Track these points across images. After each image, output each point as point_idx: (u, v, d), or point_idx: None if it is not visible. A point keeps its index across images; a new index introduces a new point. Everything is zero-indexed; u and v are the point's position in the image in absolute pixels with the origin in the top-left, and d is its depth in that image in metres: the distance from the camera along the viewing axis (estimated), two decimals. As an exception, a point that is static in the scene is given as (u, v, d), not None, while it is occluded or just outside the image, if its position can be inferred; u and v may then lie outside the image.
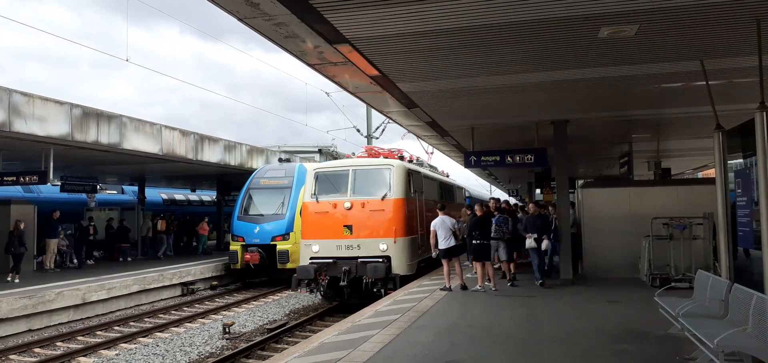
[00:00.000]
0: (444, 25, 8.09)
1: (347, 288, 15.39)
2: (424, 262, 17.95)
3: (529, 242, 14.29)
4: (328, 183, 16.78)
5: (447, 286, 13.49)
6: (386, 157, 18.65)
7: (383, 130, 34.62)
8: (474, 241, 13.71)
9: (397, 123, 16.94)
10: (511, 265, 14.39)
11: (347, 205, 16.02)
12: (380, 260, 15.26)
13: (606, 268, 15.50)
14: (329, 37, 8.70)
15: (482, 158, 16.03)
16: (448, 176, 27.08)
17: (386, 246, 15.59)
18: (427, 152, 27.79)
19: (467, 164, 16.54)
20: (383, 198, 16.08)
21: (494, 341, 8.55)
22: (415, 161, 21.42)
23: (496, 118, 15.12)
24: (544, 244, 14.25)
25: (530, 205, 15.60)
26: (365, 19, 7.94)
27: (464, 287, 13.49)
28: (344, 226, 15.94)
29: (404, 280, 15.60)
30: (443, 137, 18.55)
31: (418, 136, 19.19)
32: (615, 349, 7.88)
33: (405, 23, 8.07)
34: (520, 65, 10.20)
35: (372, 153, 19.77)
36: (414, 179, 17.67)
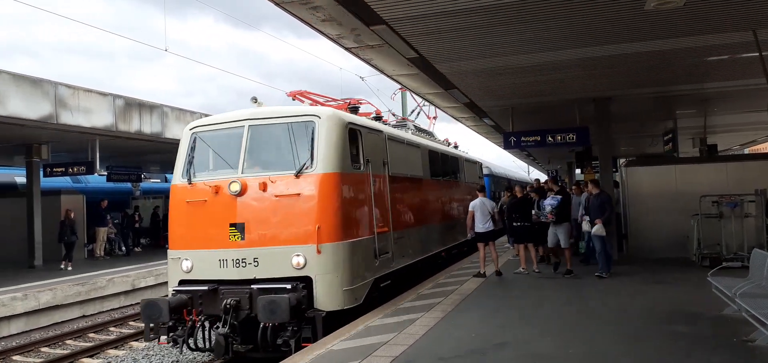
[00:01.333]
0: (482, 1, 7.93)
1: (234, 337, 8.80)
2: (392, 279, 11.08)
3: (588, 226, 12.70)
4: (210, 151, 10.11)
5: (482, 271, 13.05)
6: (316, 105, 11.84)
7: (418, 113, 34.31)
8: (515, 224, 13.47)
9: (434, 105, 16.85)
10: (567, 252, 13.00)
11: (235, 187, 9.07)
12: (289, 287, 8.65)
13: (652, 248, 15.13)
14: (366, 18, 8.64)
15: (522, 139, 15.79)
16: (453, 146, 20.53)
17: (303, 258, 8.81)
18: (429, 116, 22.74)
19: (506, 145, 16.33)
20: (299, 174, 9.10)
21: (541, 322, 8.42)
22: (393, 121, 16.04)
23: (536, 98, 14.85)
24: (598, 228, 12.30)
25: (589, 184, 13.47)
26: (403, -1, 7.85)
27: (499, 273, 13.08)
28: (231, 224, 9.10)
29: (339, 319, 9.05)
30: (481, 118, 18.34)
31: (455, 118, 18.99)
32: (667, 331, 7.66)
33: (441, 2, 7.94)
34: (560, 42, 9.96)
35: (298, 98, 12.29)
36: (366, 143, 10.40)
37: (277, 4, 8.07)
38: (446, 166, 17.50)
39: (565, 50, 10.45)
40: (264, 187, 9.14)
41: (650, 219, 15.31)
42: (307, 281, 8.82)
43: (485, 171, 26.72)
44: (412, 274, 12.75)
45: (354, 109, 12.15)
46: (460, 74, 12.11)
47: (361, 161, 10.17)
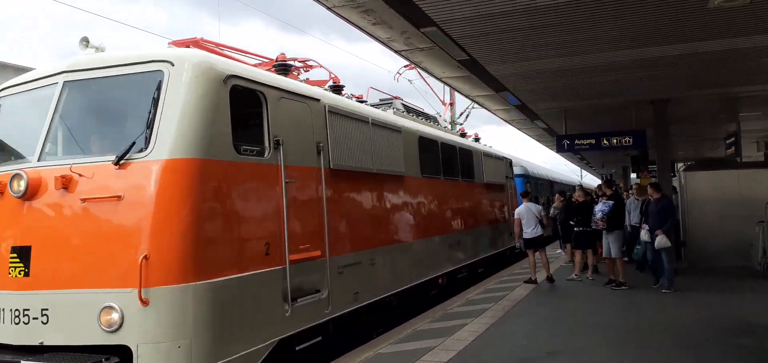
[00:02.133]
0: (536, 1, 7.77)
1: None
2: (332, 330, 7.62)
3: (647, 235, 11.65)
4: (16, 125, 6.67)
5: (533, 278, 12.61)
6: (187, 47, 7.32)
7: (467, 115, 33.99)
8: (577, 229, 13.02)
9: (484, 108, 16.63)
10: (619, 262, 12.02)
11: (19, 185, 5.59)
12: None
13: (712, 256, 14.51)
14: (416, 20, 8.60)
15: (576, 142, 15.44)
16: (473, 139, 16.86)
17: (118, 313, 5.19)
18: (443, 102, 19.27)
19: (559, 149, 16.00)
20: (121, 161, 5.51)
21: (595, 332, 8.17)
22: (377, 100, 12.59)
23: (591, 100, 14.48)
24: (660, 240, 11.00)
25: (649, 188, 12.37)
26: (453, 0, 7.76)
27: (551, 279, 12.67)
28: (12, 249, 5.55)
29: None
30: (533, 121, 18.02)
31: (505, 121, 18.72)
32: (729, 344, 7.31)
33: (494, 2, 7.82)
34: (617, 42, 9.67)
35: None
36: (276, 114, 6.74)
37: (328, 9, 8.12)
38: (450, 160, 13.22)
39: (622, 51, 10.14)
40: (66, 184, 5.44)
41: (711, 226, 14.69)
42: (124, 354, 5.13)
43: (518, 170, 22.73)
44: (390, 312, 9.40)
45: (336, 90, 9.28)
46: (512, 76, 11.91)
47: (265, 144, 6.39)
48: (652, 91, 13.73)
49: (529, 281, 12.55)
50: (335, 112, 8.02)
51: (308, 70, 9.84)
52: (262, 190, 6.37)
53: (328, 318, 7.28)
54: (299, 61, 9.68)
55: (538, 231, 12.65)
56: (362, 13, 8.30)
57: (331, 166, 7.66)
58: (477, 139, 17.09)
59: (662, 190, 12.29)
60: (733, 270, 13.48)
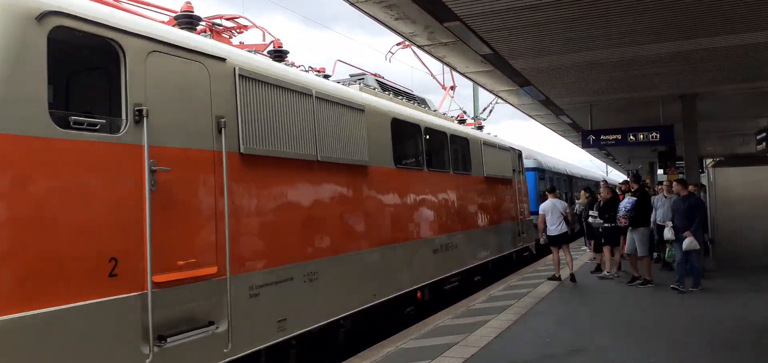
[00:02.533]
0: (564, -5, 7.68)
1: None
2: None
3: (671, 233, 10.97)
4: None
5: (556, 275, 12.44)
6: None
7: (491, 110, 33.71)
8: (607, 225, 12.63)
9: (507, 103, 16.49)
10: (646, 261, 11.67)
11: None
12: None
13: (742, 254, 14.17)
14: (440, 15, 8.56)
15: (601, 137, 15.25)
16: (475, 127, 15.15)
17: None
18: (444, 86, 16.57)
19: (585, 144, 15.82)
20: None
21: (620, 330, 8.05)
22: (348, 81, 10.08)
23: (617, 94, 14.28)
24: (690, 242, 10.47)
25: (675, 184, 11.63)
26: (478, -6, 7.71)
27: (573, 278, 12.36)
28: None
29: None
30: (558, 116, 17.84)
31: (530, 116, 18.55)
32: (761, 343, 7.15)
33: (520, -4, 7.75)
34: (646, 36, 9.52)
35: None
36: (140, 75, 4.79)
37: (352, 4, 8.11)
38: (438, 149, 11.35)
39: (651, 45, 9.98)
40: None
41: (741, 224, 14.33)
42: None
43: (529, 163, 20.59)
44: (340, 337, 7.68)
45: (278, 55, 7.48)
46: (537, 71, 11.79)
47: (121, 115, 4.66)
48: (680, 86, 13.48)
49: (553, 278, 12.42)
50: (251, 78, 6.02)
51: (241, 32, 7.97)
52: (107, 181, 4.47)
53: (228, 360, 5.34)
54: (226, 19, 7.85)
55: (563, 228, 12.47)
56: (385, 9, 8.29)
57: (242, 151, 5.72)
58: (480, 128, 15.23)
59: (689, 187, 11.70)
60: (764, 269, 13.16)
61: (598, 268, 13.43)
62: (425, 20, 8.74)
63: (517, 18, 8.54)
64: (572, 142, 25.48)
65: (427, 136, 10.70)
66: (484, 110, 31.97)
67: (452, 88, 16.42)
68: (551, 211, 12.49)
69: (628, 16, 8.56)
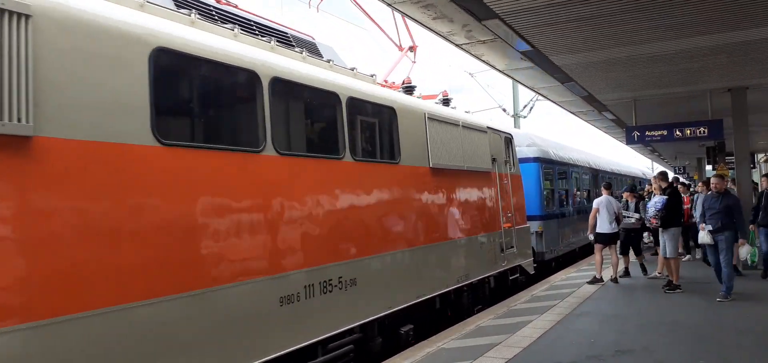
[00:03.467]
0: (605, -11, 7.52)
1: None
2: None
3: (708, 237, 10.03)
4: None
5: (598, 276, 11.97)
6: None
7: (532, 107, 33.35)
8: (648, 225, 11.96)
9: (548, 100, 16.24)
10: (674, 263, 10.86)
11: None
12: None
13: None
14: (478, 13, 8.48)
15: (646, 133, 14.86)
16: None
17: None
18: (399, 46, 12.57)
19: (629, 141, 15.45)
20: None
21: (666, 331, 7.84)
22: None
23: (663, 89, 13.89)
24: (746, 250, 9.91)
25: (712, 179, 10.67)
26: (517, -9, 7.62)
27: (616, 280, 11.97)
28: None
29: None
30: (601, 113, 17.47)
31: (572, 113, 18.22)
32: (818, 346, 6.85)
33: (560, -9, 7.62)
34: (693, 28, 9.24)
35: None
36: None
37: (389, 5, 8.12)
38: (312, 121, 7.44)
39: (698, 37, 9.67)
40: None
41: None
42: None
43: (527, 151, 16.09)
44: None
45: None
46: (579, 66, 11.56)
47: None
48: (730, 79, 13.03)
49: (594, 281, 11.93)
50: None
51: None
52: None
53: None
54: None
55: (615, 227, 12.08)
56: (423, 8, 8.26)
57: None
58: (446, 102, 10.92)
59: (726, 183, 10.74)
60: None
61: (627, 272, 12.77)
62: (463, 19, 8.67)
63: (558, 13, 8.40)
64: (616, 138, 24.91)
65: (311, 99, 7.07)
66: (524, 107, 31.69)
67: (412, 49, 12.56)
68: (606, 207, 12.02)
69: (675, 8, 8.32)
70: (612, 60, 11.11)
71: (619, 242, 12.75)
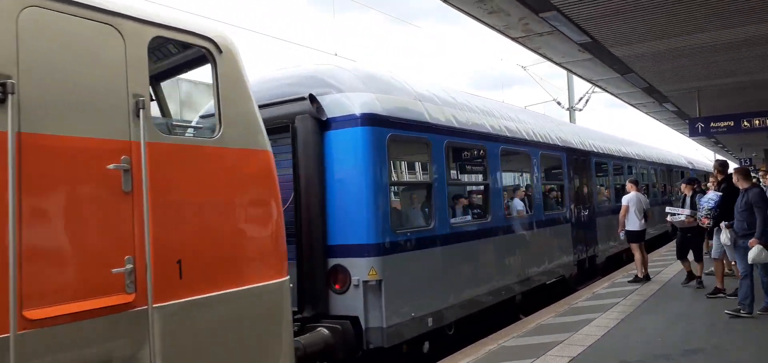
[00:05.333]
0: (669, -24, 7.28)
1: None
2: None
3: (727, 237, 8.64)
4: None
5: (640, 274, 11.40)
6: None
7: (587, 100, 32.52)
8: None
9: (606, 92, 15.85)
10: (718, 265, 9.62)
11: None
12: None
13: None
14: (535, 6, 8.36)
15: (711, 125, 14.33)
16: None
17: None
18: None
19: (692, 133, 14.96)
20: None
21: (738, 332, 7.52)
22: None
23: (728, 78, 13.36)
24: (755, 252, 7.72)
25: (734, 174, 8.77)
26: (576, -19, 7.46)
27: (639, 279, 11.37)
28: None
29: None
30: (661, 104, 16.95)
31: (631, 105, 17.71)
32: None
33: (621, -20, 7.42)
34: (761, 13, 8.82)
35: None
36: None
37: (444, 1, 8.09)
38: None
39: (766, 24, 9.24)
40: None
41: None
42: None
43: (340, 104, 6.95)
44: None
45: None
46: (639, 57, 11.25)
47: None
48: (802, 65, 12.41)
49: (637, 279, 11.36)
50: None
51: None
52: None
53: None
54: None
55: (644, 224, 11.53)
56: (477, 2, 8.20)
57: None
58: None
59: (751, 177, 9.09)
60: None
61: (691, 277, 10.87)
62: (519, 11, 8.56)
63: (618, 3, 8.19)
64: (678, 131, 24.11)
65: None
66: (579, 100, 30.98)
67: None
68: (636, 205, 11.48)
69: (743, -7, 7.99)
70: (674, 49, 10.75)
71: (677, 244, 11.14)
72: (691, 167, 26.92)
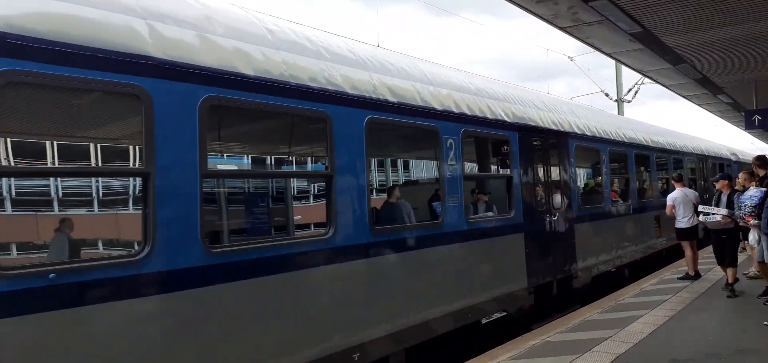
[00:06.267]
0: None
1: None
2: None
3: (755, 238, 8.48)
4: None
5: (690, 272, 10.88)
6: None
7: (636, 91, 31.57)
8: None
9: (657, 83, 15.39)
10: (763, 268, 8.72)
11: None
12: None
13: None
14: (585, -6, 8.16)
15: (769, 117, 13.74)
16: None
17: None
18: None
19: (749, 125, 14.44)
20: None
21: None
22: None
23: (788, 68, 12.78)
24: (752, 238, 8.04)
25: (755, 164, 8.92)
26: (628, -31, 7.25)
27: (689, 276, 10.90)
28: None
29: None
30: (715, 96, 16.38)
31: (683, 97, 17.16)
32: None
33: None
34: (826, -1, 8.40)
35: None
36: None
37: (490, -12, 7.98)
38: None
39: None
40: None
41: None
42: None
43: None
44: None
45: None
46: (693, 47, 10.88)
47: None
48: None
49: (686, 277, 10.95)
50: None
51: None
52: None
53: None
54: None
55: (695, 221, 10.85)
56: (525, -9, 8.06)
57: None
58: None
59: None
60: None
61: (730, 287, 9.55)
62: (568, 1, 8.37)
63: (672, -10, 7.93)
64: (733, 123, 23.25)
65: None
66: (628, 91, 30.12)
67: None
68: (683, 201, 10.93)
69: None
70: (730, 38, 10.36)
71: (713, 248, 10.12)
72: (735, 160, 23.16)
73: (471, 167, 8.51)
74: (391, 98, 6.40)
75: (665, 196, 12.39)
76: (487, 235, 7.84)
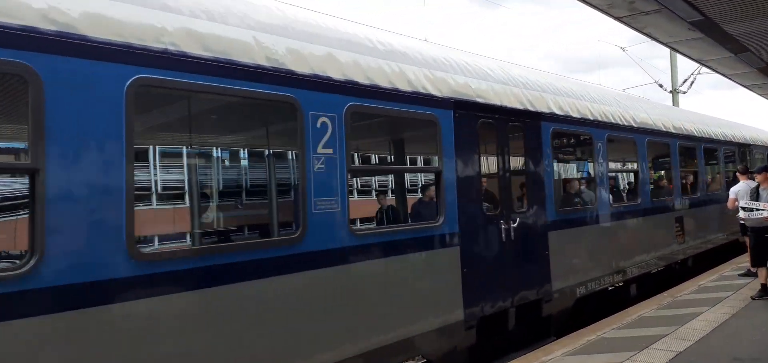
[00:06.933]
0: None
1: None
2: None
3: None
4: None
5: (753, 268, 9.63)
6: None
7: (692, 82, 30.39)
8: None
9: (717, 72, 14.82)
10: None
11: None
12: None
13: None
14: (643, -17, 7.93)
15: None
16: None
17: None
18: None
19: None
20: None
21: None
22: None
23: None
24: None
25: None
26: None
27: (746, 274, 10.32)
28: None
29: None
30: (780, 85, 15.65)
31: (744, 86, 16.48)
32: None
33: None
34: None
35: None
36: None
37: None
38: None
39: None
40: None
41: None
42: None
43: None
44: None
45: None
46: (757, 34, 10.42)
47: None
48: None
49: (748, 273, 10.34)
50: None
51: None
52: None
53: None
54: None
55: (765, 213, 10.39)
56: (580, -19, 7.89)
57: None
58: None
59: None
60: None
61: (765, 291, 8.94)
62: (624, -11, 8.16)
63: (735, -24, 7.63)
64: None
65: None
66: (684, 82, 29.10)
67: None
68: (745, 195, 10.04)
69: None
70: (798, 25, 9.88)
71: (750, 248, 9.41)
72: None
73: (368, 158, 6.55)
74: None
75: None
76: (391, 253, 5.66)
